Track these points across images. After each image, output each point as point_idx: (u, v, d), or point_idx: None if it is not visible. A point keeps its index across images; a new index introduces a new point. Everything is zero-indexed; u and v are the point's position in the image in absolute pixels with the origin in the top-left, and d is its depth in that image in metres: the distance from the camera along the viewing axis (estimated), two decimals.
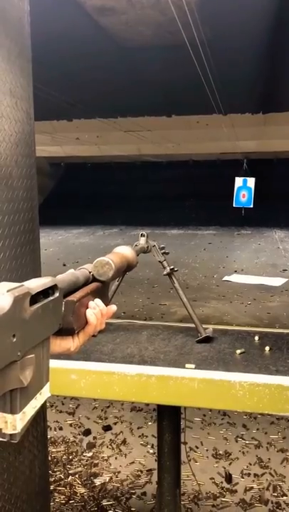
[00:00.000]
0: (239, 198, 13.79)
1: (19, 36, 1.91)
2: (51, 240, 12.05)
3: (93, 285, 0.86)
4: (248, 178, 13.31)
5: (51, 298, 0.69)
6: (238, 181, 13.43)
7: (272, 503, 2.69)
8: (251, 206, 13.68)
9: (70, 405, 3.84)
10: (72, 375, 1.28)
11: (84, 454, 3.22)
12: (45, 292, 0.69)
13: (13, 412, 0.61)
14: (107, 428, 3.52)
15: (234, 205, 13.88)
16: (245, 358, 1.39)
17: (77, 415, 3.70)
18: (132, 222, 13.30)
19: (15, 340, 0.57)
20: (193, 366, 1.31)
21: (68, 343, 0.80)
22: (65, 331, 0.77)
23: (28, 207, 1.98)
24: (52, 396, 0.66)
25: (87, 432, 3.47)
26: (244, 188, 13.49)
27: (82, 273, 0.86)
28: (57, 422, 3.58)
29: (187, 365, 1.31)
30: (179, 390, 1.23)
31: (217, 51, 4.02)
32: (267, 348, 1.47)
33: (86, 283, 0.86)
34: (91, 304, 0.83)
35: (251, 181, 13.22)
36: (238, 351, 1.44)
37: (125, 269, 0.95)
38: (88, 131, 10.01)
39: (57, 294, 0.71)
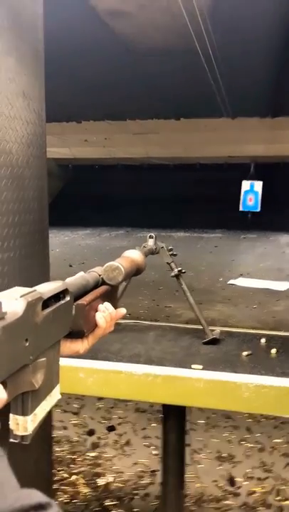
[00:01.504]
0: (246, 202, 13.77)
1: (33, 40, 1.94)
2: (58, 241, 12.10)
3: (103, 288, 0.87)
4: (255, 182, 13.30)
5: (62, 302, 0.71)
6: (245, 185, 13.42)
7: (275, 507, 2.69)
8: (258, 210, 13.66)
9: (75, 405, 3.86)
10: (80, 373, 1.30)
11: (88, 454, 3.23)
12: (56, 296, 0.70)
13: (24, 414, 0.63)
14: (111, 428, 3.53)
15: (241, 209, 13.88)
16: (252, 360, 1.41)
17: (82, 415, 3.72)
18: (138, 224, 13.32)
19: (27, 344, 0.59)
20: (199, 367, 1.33)
21: (78, 346, 0.82)
22: (76, 334, 0.79)
23: (38, 207, 2.01)
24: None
25: (91, 432, 3.49)
26: (251, 192, 13.47)
27: (92, 276, 0.87)
28: (61, 421, 3.59)
29: (193, 366, 1.33)
30: (185, 390, 1.24)
31: (227, 56, 4.03)
32: (273, 351, 1.48)
33: (96, 286, 0.87)
34: (100, 307, 0.84)
35: (258, 185, 13.21)
36: (245, 353, 1.45)
37: (135, 273, 0.97)
38: (97, 133, 10.05)
39: (68, 298, 0.73)
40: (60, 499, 2.73)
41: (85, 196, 15.71)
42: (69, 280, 0.79)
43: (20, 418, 0.63)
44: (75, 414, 3.74)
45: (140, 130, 9.05)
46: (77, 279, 0.83)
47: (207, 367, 1.33)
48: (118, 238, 14.22)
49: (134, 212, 15.41)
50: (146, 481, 2.94)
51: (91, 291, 0.84)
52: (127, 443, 3.35)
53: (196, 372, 1.29)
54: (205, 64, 4.08)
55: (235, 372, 1.28)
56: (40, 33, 2.00)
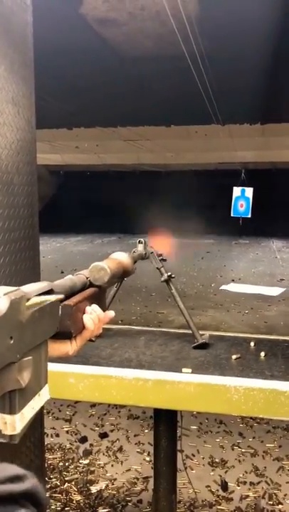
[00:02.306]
0: (237, 208, 13.84)
1: (22, 46, 1.95)
2: (49, 248, 12.08)
3: (90, 290, 0.88)
4: (246, 188, 13.38)
5: (47, 302, 0.71)
6: (236, 191, 13.49)
7: (267, 511, 2.69)
8: (249, 216, 13.74)
9: (67, 412, 3.84)
10: (70, 378, 1.29)
11: (80, 461, 3.22)
12: (41, 296, 0.70)
13: (12, 412, 0.62)
14: (103, 435, 3.52)
15: (232, 215, 13.94)
16: (241, 363, 1.41)
17: (74, 422, 3.70)
18: (130, 231, 13.33)
19: (12, 342, 0.59)
20: (189, 371, 1.33)
21: (66, 347, 0.82)
22: (63, 335, 0.79)
23: (28, 213, 2.01)
24: (49, 402, 0.68)
25: (83, 439, 3.47)
26: (242, 198, 13.55)
27: (79, 278, 0.88)
28: (53, 428, 3.58)
29: (184, 370, 1.33)
30: (176, 394, 1.24)
31: (216, 62, 4.08)
32: (262, 354, 1.49)
33: (83, 288, 0.87)
34: (88, 309, 0.85)
35: (249, 191, 13.29)
36: (234, 356, 1.46)
37: (122, 275, 0.97)
38: (88, 140, 10.07)
39: (53, 298, 0.73)
40: (53, 507, 2.71)
41: (76, 203, 15.69)
42: (56, 282, 0.80)
43: (8, 417, 0.62)
44: (67, 421, 3.72)
45: (131, 137, 9.09)
46: (64, 280, 0.83)
47: (197, 371, 1.33)
48: (110, 244, 14.21)
49: (125, 218, 15.43)
50: (139, 487, 2.93)
51: (78, 293, 0.85)
52: (120, 450, 3.34)
53: (186, 376, 1.29)
54: (194, 71, 4.12)
55: (225, 375, 1.29)
56: (30, 41, 2.01)
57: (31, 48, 2.02)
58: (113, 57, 4.25)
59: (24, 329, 0.62)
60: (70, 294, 0.82)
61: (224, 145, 9.57)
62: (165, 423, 1.69)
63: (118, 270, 0.92)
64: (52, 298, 0.73)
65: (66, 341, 0.82)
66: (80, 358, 1.44)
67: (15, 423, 0.62)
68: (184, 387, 1.25)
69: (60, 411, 3.85)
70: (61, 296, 0.77)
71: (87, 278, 0.89)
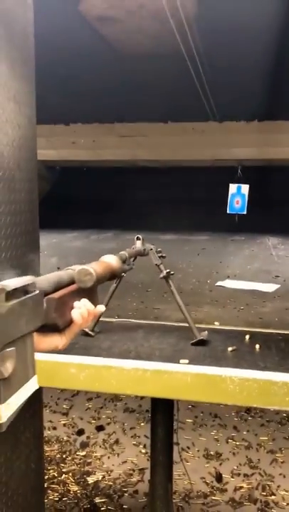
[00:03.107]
0: (233, 205, 13.88)
1: (23, 44, 1.98)
2: (45, 243, 12.10)
3: (76, 285, 0.88)
4: (242, 185, 13.42)
5: (29, 295, 0.73)
6: (232, 188, 13.53)
7: (261, 502, 2.75)
8: (245, 213, 13.78)
9: (64, 406, 3.89)
10: (72, 368, 1.34)
11: (77, 453, 3.27)
12: (24, 290, 0.72)
13: None
14: (100, 428, 3.57)
15: (228, 212, 13.98)
16: (236, 355, 1.46)
17: (71, 415, 3.76)
18: (126, 227, 13.34)
19: None
20: (186, 361, 1.38)
21: (56, 341, 0.85)
22: (50, 328, 0.81)
23: (29, 209, 2.05)
24: (46, 396, 0.71)
25: (80, 432, 3.52)
26: (238, 195, 13.59)
27: (67, 273, 0.89)
28: (51, 422, 3.62)
29: (181, 361, 1.38)
30: (173, 384, 1.29)
31: (214, 61, 4.11)
32: (257, 346, 1.54)
33: (71, 283, 0.88)
34: (76, 303, 0.87)
35: (245, 188, 13.33)
36: (230, 348, 1.51)
37: (109, 277, 0.99)
38: (85, 136, 10.07)
39: (36, 292, 0.75)
40: (51, 497, 2.76)
41: (72, 198, 15.66)
42: (41, 277, 0.82)
43: None
44: (64, 414, 3.77)
45: (128, 133, 9.10)
46: (50, 275, 0.86)
47: (194, 362, 1.38)
48: (106, 240, 14.23)
49: (122, 214, 15.45)
50: (135, 478, 2.99)
51: (65, 287, 0.86)
52: (116, 442, 3.39)
53: (184, 367, 1.34)
54: (191, 69, 4.15)
55: (221, 366, 1.34)
56: (31, 39, 2.04)
57: (32, 46, 2.05)
58: (111, 54, 4.27)
59: (4, 321, 0.65)
60: (57, 288, 0.83)
61: (220, 142, 9.59)
62: (162, 413, 1.74)
63: (105, 274, 0.93)
64: (35, 291, 0.75)
65: (55, 334, 0.84)
66: (81, 349, 1.48)
67: (1, 412, 0.65)
68: (181, 377, 1.30)
69: (57, 404, 3.90)
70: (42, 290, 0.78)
71: None
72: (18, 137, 1.93)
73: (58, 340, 0.84)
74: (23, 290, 0.72)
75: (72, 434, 3.50)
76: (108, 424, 3.63)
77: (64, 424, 3.62)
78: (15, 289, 0.68)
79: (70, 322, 0.85)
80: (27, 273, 2.08)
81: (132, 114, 7.60)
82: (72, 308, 0.85)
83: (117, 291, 1.90)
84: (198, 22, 3.21)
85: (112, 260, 0.97)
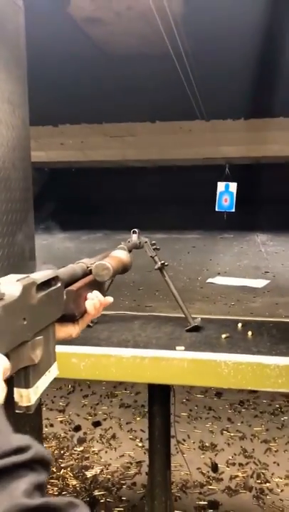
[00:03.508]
0: (221, 203, 13.99)
1: (16, 47, 2.03)
2: (36, 245, 12.06)
3: (90, 277, 0.96)
4: (230, 183, 13.53)
5: (53, 288, 0.79)
6: (221, 186, 13.64)
7: (256, 489, 2.82)
8: (233, 210, 13.90)
9: (60, 403, 3.93)
10: (72, 358, 1.39)
11: (75, 449, 3.31)
12: (48, 283, 0.78)
13: (27, 386, 0.71)
14: (96, 424, 3.62)
15: (216, 210, 14.08)
16: (230, 342, 1.53)
17: (68, 412, 3.80)
18: (116, 227, 13.38)
19: (25, 323, 0.67)
20: (183, 348, 1.44)
21: (70, 330, 0.90)
22: (68, 318, 0.87)
23: (23, 207, 2.10)
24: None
25: (77, 428, 3.57)
26: (226, 193, 13.70)
27: (80, 267, 0.96)
28: (48, 419, 3.66)
29: (177, 348, 1.44)
30: (170, 370, 1.35)
31: (201, 61, 4.18)
32: (249, 333, 1.60)
33: (84, 275, 0.95)
34: (90, 295, 0.93)
35: (233, 186, 13.44)
36: (224, 335, 1.57)
37: (121, 271, 1.06)
38: (73, 137, 10.10)
39: (58, 284, 0.81)
40: (50, 492, 2.80)
41: (62, 199, 15.67)
42: (59, 270, 0.89)
43: (23, 391, 0.71)
44: (61, 411, 3.82)
45: (116, 133, 9.15)
46: (66, 269, 0.92)
47: (190, 348, 1.44)
48: (96, 241, 14.25)
49: (112, 214, 15.48)
50: (132, 471, 3.04)
51: (79, 279, 0.94)
52: (113, 437, 3.44)
53: (180, 353, 1.40)
54: (179, 69, 4.22)
55: (215, 352, 1.40)
56: (23, 41, 2.09)
57: (24, 48, 2.09)
58: (99, 56, 4.32)
59: (35, 311, 0.70)
60: (72, 280, 0.90)
61: (208, 140, 9.68)
62: (159, 403, 1.80)
63: (118, 268, 1.01)
64: (58, 284, 0.81)
65: (70, 324, 0.90)
66: (80, 340, 1.54)
67: (30, 395, 0.71)
68: (177, 363, 1.36)
69: (53, 402, 3.94)
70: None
71: (87, 267, 0.97)
72: (12, 138, 1.98)
73: (72, 330, 0.89)
74: (48, 283, 0.77)
75: (70, 431, 3.54)
76: (104, 419, 3.68)
77: (61, 421, 3.66)
78: (42, 282, 0.74)
79: (84, 312, 0.91)
80: (23, 271, 2.13)
81: (120, 114, 7.65)
82: (85, 299, 0.91)
83: (109, 290, 1.94)
84: (186, 22, 3.27)
85: (122, 255, 1.03)
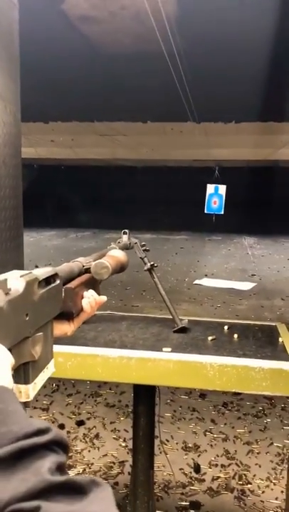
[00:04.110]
0: (210, 205, 14.09)
1: (9, 43, 2.02)
2: (24, 241, 11.97)
3: (87, 276, 0.98)
4: (219, 186, 13.63)
5: (53, 284, 0.80)
6: (210, 188, 13.74)
7: (237, 490, 2.84)
8: (222, 213, 14.01)
9: (44, 402, 3.92)
10: (59, 358, 1.39)
11: None
12: (48, 280, 0.79)
13: (26, 382, 0.71)
14: (80, 423, 3.61)
15: (205, 212, 14.18)
16: (216, 344, 1.54)
17: (51, 411, 3.78)
18: (104, 226, 13.41)
19: (27, 318, 0.68)
20: (169, 349, 1.45)
21: (66, 328, 0.91)
22: (65, 315, 0.88)
23: (13, 205, 2.09)
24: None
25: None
26: (215, 195, 13.79)
27: (76, 265, 0.97)
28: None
29: (164, 349, 1.45)
30: (157, 371, 1.36)
31: (193, 62, 4.20)
32: (235, 336, 1.62)
33: (79, 274, 0.97)
34: (86, 293, 0.94)
35: (222, 188, 13.55)
36: (210, 338, 1.59)
37: (118, 270, 1.08)
38: (63, 134, 10.08)
39: (58, 282, 0.82)
40: None
41: (50, 197, 15.66)
42: (58, 267, 0.89)
43: (22, 387, 0.71)
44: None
45: (107, 132, 9.15)
46: (64, 266, 0.93)
47: (176, 350, 1.45)
48: (84, 239, 14.25)
49: (100, 213, 15.49)
50: (115, 471, 3.04)
51: (76, 278, 0.95)
52: (97, 436, 3.43)
53: (166, 355, 1.41)
54: (172, 69, 4.24)
55: (201, 354, 1.41)
56: (16, 38, 2.08)
57: (17, 45, 2.08)
58: (92, 54, 4.33)
59: (36, 308, 0.71)
60: (69, 278, 0.91)
61: (199, 142, 9.74)
62: (144, 404, 1.81)
63: (117, 267, 1.03)
64: (57, 281, 0.82)
65: (66, 322, 0.91)
66: (67, 339, 1.53)
67: (29, 391, 0.71)
68: (164, 364, 1.37)
69: (37, 400, 3.92)
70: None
71: (83, 266, 0.99)
72: (3, 134, 1.97)
73: (68, 328, 0.90)
74: (47, 280, 0.77)
75: None
76: (88, 419, 3.67)
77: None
78: (43, 279, 0.74)
79: (80, 310, 0.92)
80: (11, 268, 2.13)
81: (111, 113, 7.66)
82: (82, 297, 0.92)
83: (100, 287, 1.94)
84: (179, 24, 3.29)
85: (120, 254, 1.05)
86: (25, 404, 0.71)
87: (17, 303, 0.64)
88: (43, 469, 0.43)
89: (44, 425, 0.48)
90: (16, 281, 0.67)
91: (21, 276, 0.68)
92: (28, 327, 0.68)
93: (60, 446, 0.48)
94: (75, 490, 0.44)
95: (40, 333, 0.72)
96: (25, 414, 0.51)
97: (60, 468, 0.45)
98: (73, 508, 0.42)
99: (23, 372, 0.71)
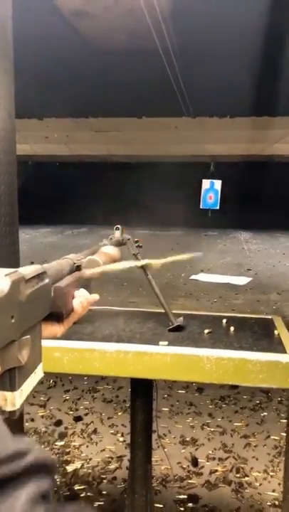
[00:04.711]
0: (206, 200, 14.10)
1: (2, 39, 2.01)
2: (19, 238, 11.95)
3: (77, 274, 0.92)
4: (214, 181, 13.63)
5: (42, 284, 0.75)
6: (206, 183, 13.74)
7: (235, 483, 2.86)
8: (217, 208, 14.02)
9: (42, 398, 3.92)
10: (56, 352, 1.40)
11: (56, 444, 3.31)
12: (36, 279, 0.73)
13: (12, 389, 0.66)
14: (78, 419, 3.62)
15: (201, 207, 14.19)
16: (213, 337, 1.55)
17: (49, 407, 3.79)
18: (100, 222, 13.40)
19: (13, 321, 0.63)
20: (166, 343, 1.46)
21: (55, 329, 0.86)
22: (55, 316, 0.83)
23: (8, 201, 2.08)
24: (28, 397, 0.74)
25: (58, 423, 3.56)
26: (211, 190, 13.80)
27: (66, 262, 0.92)
28: (28, 414, 3.65)
29: (160, 343, 1.45)
30: (154, 364, 1.37)
31: (187, 58, 4.20)
32: (232, 329, 1.63)
33: (70, 272, 0.92)
34: (77, 293, 0.89)
35: (218, 184, 13.56)
36: (206, 331, 1.59)
37: None
38: (58, 130, 10.04)
39: (46, 280, 0.77)
40: None
41: (46, 193, 15.63)
42: (46, 265, 0.86)
43: (8, 394, 0.66)
44: (42, 406, 3.81)
45: (102, 128, 9.13)
46: (53, 264, 0.90)
47: (173, 343, 1.46)
48: (80, 236, 14.24)
49: (95, 209, 15.48)
50: (113, 465, 3.05)
51: (66, 276, 0.89)
52: (94, 431, 3.45)
53: (163, 348, 1.41)
54: (166, 65, 4.23)
55: (198, 347, 1.42)
56: (10, 33, 2.07)
57: (11, 40, 2.07)
58: (86, 50, 4.31)
59: (23, 309, 0.66)
60: (59, 277, 0.86)
61: (194, 138, 9.73)
62: (141, 398, 1.82)
63: (109, 264, 1.02)
64: (46, 280, 0.77)
65: (55, 323, 0.86)
66: (64, 334, 1.54)
67: (15, 399, 0.66)
68: (161, 358, 1.37)
69: (34, 397, 3.92)
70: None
71: (74, 263, 0.96)
72: None
73: (57, 329, 0.86)
74: (35, 278, 0.73)
75: (51, 426, 3.53)
76: (86, 414, 3.68)
77: (42, 416, 3.65)
78: (30, 278, 0.70)
79: (71, 310, 0.88)
80: (6, 265, 2.12)
81: (106, 109, 7.64)
82: (73, 297, 0.88)
83: (92, 286, 1.94)
84: (174, 20, 3.28)
85: (112, 251, 1.03)
86: (11, 414, 0.66)
87: (1, 304, 0.60)
88: (18, 503, 0.37)
89: (24, 445, 0.42)
90: (0, 280, 0.62)
91: (6, 275, 0.63)
92: (14, 330, 0.64)
93: (43, 469, 0.42)
94: None
95: (28, 336, 0.68)
96: (4, 430, 0.46)
97: (44, 496, 0.40)
98: None
99: (8, 379, 0.66)
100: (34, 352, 0.71)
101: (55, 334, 0.87)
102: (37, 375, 0.74)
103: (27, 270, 0.72)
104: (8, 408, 0.65)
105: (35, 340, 0.73)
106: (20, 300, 0.66)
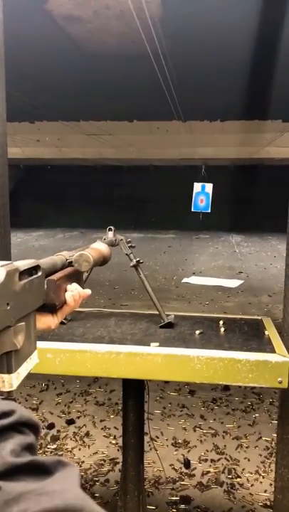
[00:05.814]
0: (197, 203, 14.15)
1: None
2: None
3: (70, 269, 0.98)
4: (206, 184, 13.69)
5: (35, 276, 0.80)
6: (197, 187, 13.79)
7: (227, 484, 2.88)
8: (209, 211, 14.09)
9: (34, 401, 3.92)
10: (48, 354, 1.40)
11: (48, 447, 3.31)
12: (30, 271, 0.79)
13: (9, 371, 0.71)
14: (70, 422, 3.62)
15: (192, 210, 14.24)
16: (203, 338, 1.56)
17: (41, 410, 3.79)
18: (92, 226, 13.40)
19: (9, 308, 0.68)
20: (157, 344, 1.47)
21: (49, 321, 0.91)
22: (48, 307, 0.88)
23: (0, 204, 2.09)
24: (16, 393, 0.77)
25: (51, 426, 3.56)
26: (202, 194, 13.85)
27: (59, 258, 0.98)
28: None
29: (152, 344, 1.47)
30: (145, 365, 1.38)
31: (178, 61, 4.23)
32: (222, 330, 1.65)
33: (63, 267, 0.97)
34: (69, 286, 0.94)
35: (209, 187, 13.61)
36: (197, 332, 1.61)
37: (101, 263, 1.09)
38: (49, 134, 10.04)
39: (40, 273, 0.82)
40: None
41: (37, 197, 15.60)
42: (41, 260, 0.91)
43: (5, 376, 0.71)
44: (34, 409, 3.80)
45: (94, 131, 9.14)
46: (46, 259, 0.94)
47: (164, 344, 1.48)
48: (72, 239, 14.22)
49: (88, 213, 15.47)
50: (106, 468, 3.05)
51: (58, 271, 0.96)
52: (87, 434, 3.45)
53: (154, 349, 1.43)
54: (157, 69, 4.26)
55: (189, 347, 1.43)
56: (1, 37, 2.07)
57: (2, 44, 2.08)
58: (77, 53, 4.33)
59: (17, 298, 0.71)
60: (52, 271, 0.91)
61: (185, 141, 9.78)
62: (133, 399, 1.83)
63: (99, 259, 1.04)
64: (39, 273, 0.83)
65: (49, 315, 0.91)
66: (55, 336, 1.55)
67: (12, 381, 0.71)
68: (152, 359, 1.38)
69: (26, 400, 3.92)
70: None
71: (66, 259, 1.00)
72: None
73: (51, 320, 0.90)
74: (29, 271, 0.78)
75: (43, 429, 3.53)
76: (78, 417, 3.68)
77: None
78: (24, 270, 0.75)
79: (63, 303, 0.92)
80: None
81: (97, 113, 7.66)
82: (65, 290, 0.92)
83: (84, 284, 1.95)
84: (164, 24, 3.31)
85: (102, 247, 1.06)
86: (9, 394, 0.71)
87: None
88: (4, 452, 0.43)
89: (8, 407, 0.49)
90: None
91: (1, 266, 0.69)
92: (10, 316, 0.69)
93: (27, 426, 0.48)
94: (40, 470, 0.44)
95: (23, 323, 0.73)
96: None
97: (29, 449, 0.46)
98: (35, 486, 0.42)
99: (5, 362, 0.71)
100: (29, 339, 0.76)
101: (50, 326, 0.91)
102: (32, 361, 0.79)
103: (22, 263, 0.77)
104: (6, 389, 0.70)
105: (30, 329, 0.78)
106: (15, 289, 0.71)
